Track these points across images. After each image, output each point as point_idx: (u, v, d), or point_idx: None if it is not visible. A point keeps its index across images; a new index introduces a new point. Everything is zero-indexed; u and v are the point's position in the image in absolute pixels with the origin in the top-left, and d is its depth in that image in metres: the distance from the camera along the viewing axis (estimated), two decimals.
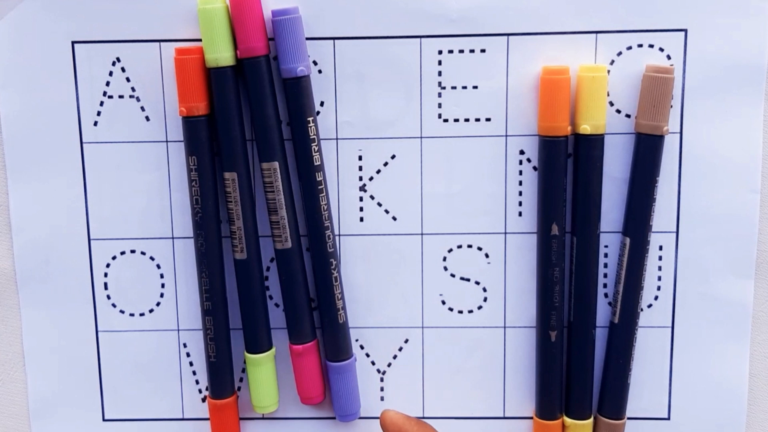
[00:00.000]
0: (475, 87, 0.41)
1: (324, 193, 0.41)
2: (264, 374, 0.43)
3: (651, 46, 0.40)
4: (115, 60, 0.41)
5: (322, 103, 0.41)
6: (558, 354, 0.42)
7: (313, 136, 0.40)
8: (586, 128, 0.40)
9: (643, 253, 0.41)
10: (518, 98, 0.41)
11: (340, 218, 0.42)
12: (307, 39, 0.40)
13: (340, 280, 0.42)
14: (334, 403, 0.43)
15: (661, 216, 0.42)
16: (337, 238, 0.43)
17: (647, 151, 0.40)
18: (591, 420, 0.43)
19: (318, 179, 0.41)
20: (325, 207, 0.41)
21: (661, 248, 0.42)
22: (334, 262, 0.41)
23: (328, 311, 0.42)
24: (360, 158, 0.42)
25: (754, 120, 0.41)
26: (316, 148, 0.40)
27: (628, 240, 0.41)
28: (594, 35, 0.40)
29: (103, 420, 0.45)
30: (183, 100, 0.40)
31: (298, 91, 0.40)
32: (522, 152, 0.42)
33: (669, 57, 0.40)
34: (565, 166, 0.41)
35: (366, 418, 0.44)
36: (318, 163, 0.40)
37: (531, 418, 0.44)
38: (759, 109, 0.41)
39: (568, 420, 0.43)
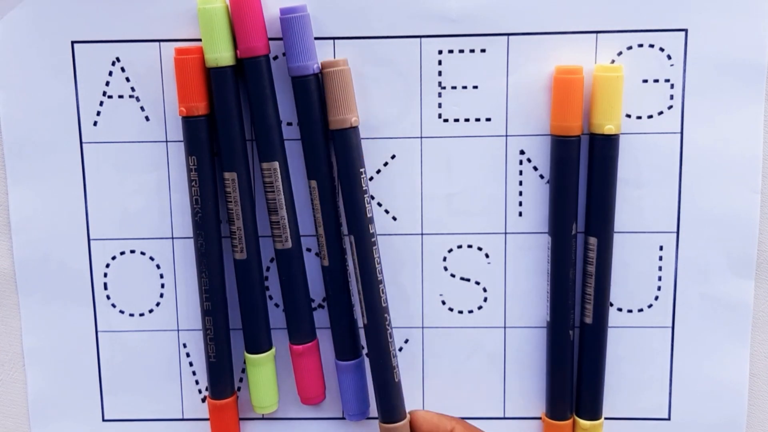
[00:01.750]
0: (475, 87, 0.41)
1: (337, 191, 0.41)
2: (264, 374, 0.43)
3: (651, 46, 0.40)
4: (115, 60, 0.41)
5: None
6: (571, 353, 0.42)
7: (326, 133, 0.40)
8: (610, 128, 0.40)
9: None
10: (518, 98, 0.41)
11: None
12: None
13: (350, 278, 0.42)
14: (343, 403, 0.43)
15: (661, 216, 0.42)
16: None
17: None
18: (602, 420, 0.43)
19: (333, 176, 0.40)
20: (338, 205, 0.41)
21: (661, 248, 0.42)
22: (346, 259, 0.42)
23: (344, 310, 0.42)
24: None
25: (755, 120, 0.41)
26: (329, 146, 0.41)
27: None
28: (594, 35, 0.40)
29: (103, 420, 0.45)
30: (183, 100, 0.40)
31: (310, 88, 0.40)
32: (522, 152, 0.42)
33: (669, 57, 0.40)
34: (578, 166, 0.41)
35: (367, 418, 0.44)
36: (332, 160, 0.41)
37: (531, 418, 0.44)
38: (759, 109, 0.41)
39: (581, 421, 0.43)
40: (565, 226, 0.41)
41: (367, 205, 0.40)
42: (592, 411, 0.43)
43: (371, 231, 0.40)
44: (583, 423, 0.43)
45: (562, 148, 0.40)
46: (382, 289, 0.41)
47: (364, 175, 0.40)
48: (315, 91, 0.40)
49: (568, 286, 0.41)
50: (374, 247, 0.40)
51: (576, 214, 0.41)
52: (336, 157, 0.40)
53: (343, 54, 0.41)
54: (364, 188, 0.40)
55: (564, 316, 0.42)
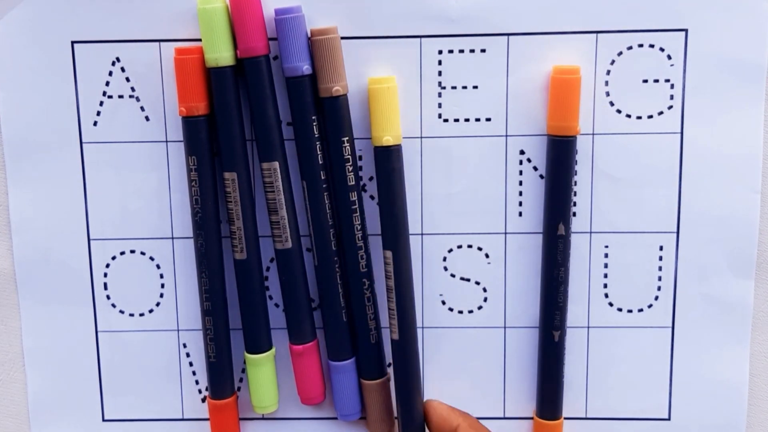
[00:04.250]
0: (475, 87, 0.41)
1: (328, 192, 0.41)
2: (264, 374, 0.43)
3: (651, 46, 0.40)
4: (115, 60, 0.41)
5: None
6: (560, 354, 0.42)
7: (318, 134, 0.40)
8: (389, 140, 0.39)
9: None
10: (518, 98, 0.41)
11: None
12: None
13: (342, 279, 0.42)
14: (335, 402, 0.43)
15: (661, 216, 0.42)
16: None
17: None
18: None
19: (322, 178, 0.40)
20: (329, 206, 0.41)
21: (661, 248, 0.42)
22: (339, 260, 0.42)
23: (336, 310, 0.42)
24: (360, 158, 0.42)
25: (755, 119, 0.41)
26: (321, 148, 0.40)
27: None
28: (594, 35, 0.40)
29: (103, 420, 0.45)
30: (183, 100, 0.40)
31: (302, 89, 0.40)
32: (522, 152, 0.42)
33: (669, 57, 0.41)
34: (573, 166, 0.41)
35: (361, 417, 0.44)
36: (322, 162, 0.40)
37: (531, 418, 0.44)
38: (759, 109, 0.41)
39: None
40: (552, 226, 0.41)
41: (349, 174, 0.40)
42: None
43: (352, 190, 0.40)
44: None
45: (559, 148, 0.40)
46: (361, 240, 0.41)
47: (346, 144, 0.40)
48: (308, 92, 0.40)
49: (553, 287, 0.41)
50: (354, 214, 0.41)
51: (564, 214, 0.41)
52: (323, 123, 0.40)
53: (344, 54, 0.41)
54: (346, 157, 0.40)
55: (549, 316, 0.42)
